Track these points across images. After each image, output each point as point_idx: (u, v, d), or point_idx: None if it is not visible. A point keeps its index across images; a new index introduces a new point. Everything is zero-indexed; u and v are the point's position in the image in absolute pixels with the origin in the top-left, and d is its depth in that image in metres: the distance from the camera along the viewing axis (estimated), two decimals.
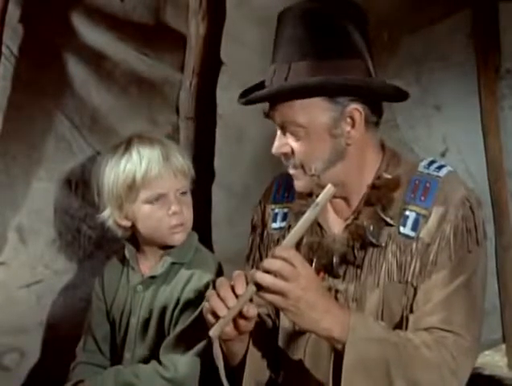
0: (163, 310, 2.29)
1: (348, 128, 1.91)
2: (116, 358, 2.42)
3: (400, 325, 1.95)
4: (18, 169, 2.70)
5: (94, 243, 2.83)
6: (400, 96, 2.03)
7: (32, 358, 2.76)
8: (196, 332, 2.21)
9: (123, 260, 2.40)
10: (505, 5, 3.13)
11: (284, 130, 1.95)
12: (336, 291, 2.01)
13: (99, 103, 2.80)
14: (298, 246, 2.03)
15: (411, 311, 1.93)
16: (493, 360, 3.45)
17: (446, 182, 1.95)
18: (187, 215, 2.29)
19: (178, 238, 2.28)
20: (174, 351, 2.23)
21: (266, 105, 1.99)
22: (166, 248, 2.33)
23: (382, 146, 2.05)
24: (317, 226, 2.05)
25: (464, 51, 3.13)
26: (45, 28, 2.68)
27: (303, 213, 1.93)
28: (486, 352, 3.45)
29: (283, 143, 1.95)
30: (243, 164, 2.99)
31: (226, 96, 2.69)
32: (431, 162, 2.02)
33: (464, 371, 1.91)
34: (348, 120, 1.91)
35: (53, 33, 2.70)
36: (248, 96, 1.99)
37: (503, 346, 3.47)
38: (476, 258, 1.94)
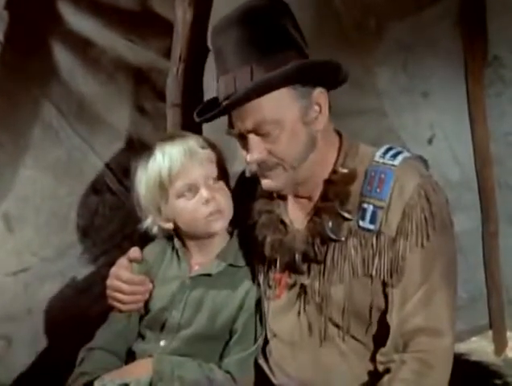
0: (217, 312, 2.19)
1: (316, 114, 1.91)
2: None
3: (366, 320, 1.96)
4: (5, 156, 2.69)
5: (81, 230, 2.83)
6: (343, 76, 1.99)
7: (20, 346, 2.76)
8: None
9: (172, 250, 2.30)
10: None
11: (258, 134, 1.91)
12: (303, 286, 2.02)
13: (86, 90, 2.79)
14: (262, 246, 2.05)
15: (386, 310, 1.93)
16: (480, 346, 3.46)
17: (400, 172, 1.93)
18: (223, 201, 2.17)
19: (217, 226, 2.17)
20: (241, 370, 2.15)
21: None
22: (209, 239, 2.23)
23: (340, 137, 2.04)
24: (280, 223, 2.05)
25: (452, 37, 3.13)
26: (31, 15, 2.67)
27: (267, 212, 2.00)
28: (473, 339, 3.47)
29: (261, 149, 1.92)
30: (230, 151, 2.98)
31: (213, 83, 2.69)
32: (388, 150, 1.99)
33: (447, 372, 1.92)
34: (316, 106, 1.91)
35: (39, 20, 2.70)
36: (206, 114, 2.00)
37: (490, 333, 3.48)
38: (443, 245, 1.93)
